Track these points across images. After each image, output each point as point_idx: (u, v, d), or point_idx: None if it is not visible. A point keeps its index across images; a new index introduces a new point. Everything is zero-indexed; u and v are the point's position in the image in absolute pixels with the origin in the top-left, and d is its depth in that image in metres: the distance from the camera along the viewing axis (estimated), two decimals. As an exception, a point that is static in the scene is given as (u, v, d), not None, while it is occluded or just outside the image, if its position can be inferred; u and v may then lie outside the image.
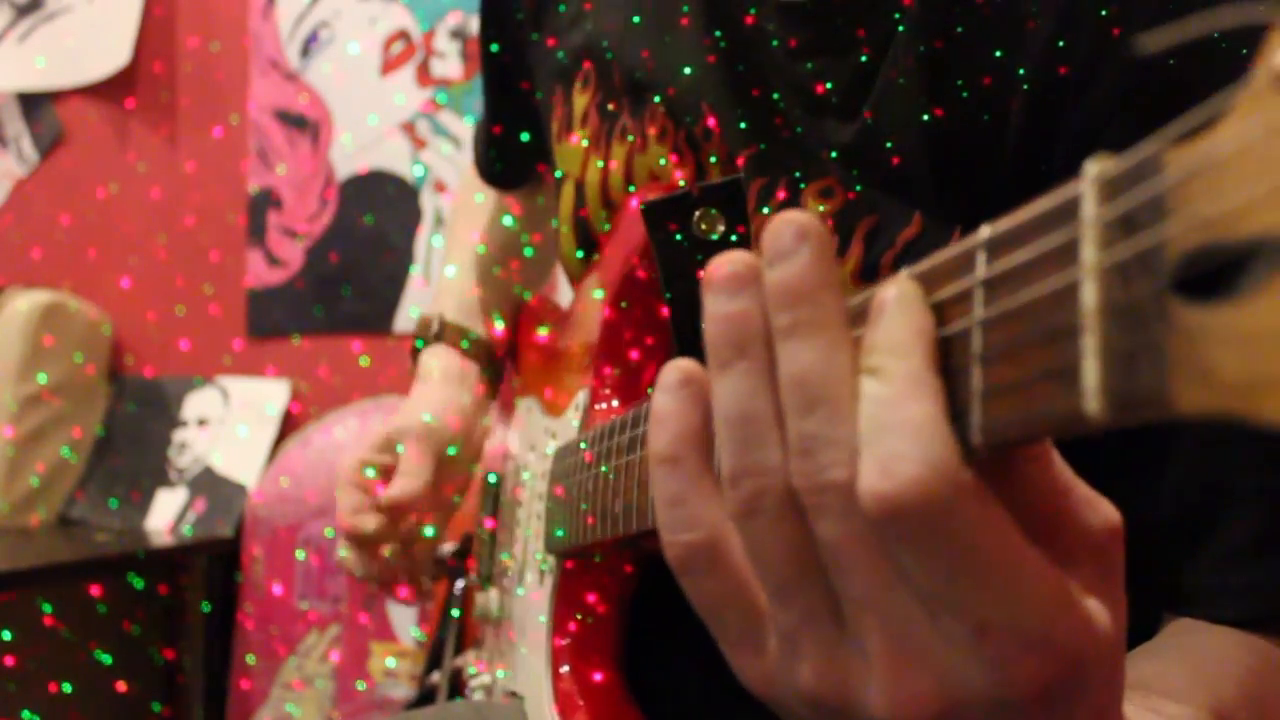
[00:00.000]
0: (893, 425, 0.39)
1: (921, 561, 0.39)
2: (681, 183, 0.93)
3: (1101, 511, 0.43)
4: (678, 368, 0.48)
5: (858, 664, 0.42)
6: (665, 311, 0.91)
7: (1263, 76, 0.28)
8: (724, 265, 0.45)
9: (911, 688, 0.41)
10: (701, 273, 0.82)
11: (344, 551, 1.18)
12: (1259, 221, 0.28)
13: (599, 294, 0.97)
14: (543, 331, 1.21)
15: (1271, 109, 0.28)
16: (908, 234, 0.81)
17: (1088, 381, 0.32)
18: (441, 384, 1.20)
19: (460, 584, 1.17)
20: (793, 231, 0.42)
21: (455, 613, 1.26)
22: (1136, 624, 0.71)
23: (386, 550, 1.16)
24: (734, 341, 0.44)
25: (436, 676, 1.23)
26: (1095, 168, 0.33)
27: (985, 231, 0.39)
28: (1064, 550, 0.42)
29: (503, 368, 1.28)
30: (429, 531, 1.17)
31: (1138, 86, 0.72)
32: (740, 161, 0.89)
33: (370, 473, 1.16)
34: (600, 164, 1.00)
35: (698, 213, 0.80)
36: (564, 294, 1.15)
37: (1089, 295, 0.32)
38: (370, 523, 1.14)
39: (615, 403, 0.95)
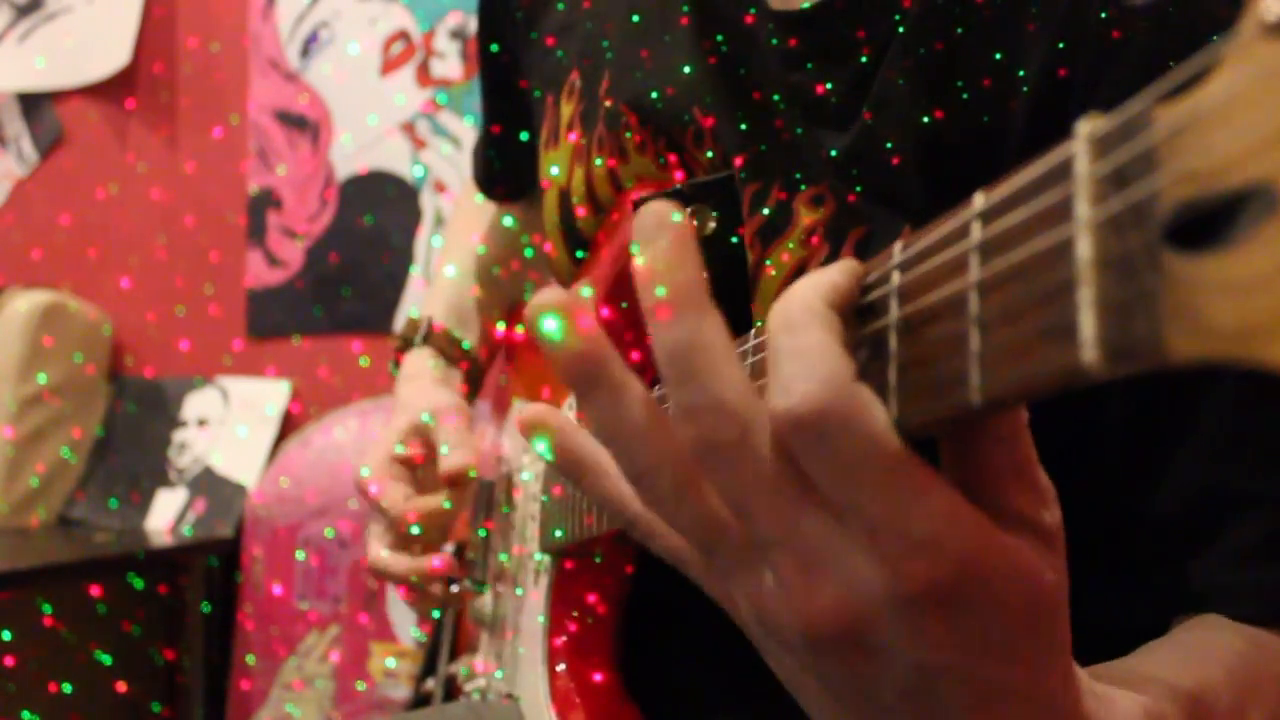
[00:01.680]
0: (789, 353, 0.43)
1: (819, 468, 0.43)
2: (677, 186, 0.93)
3: (1050, 507, 0.46)
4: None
5: (776, 590, 0.46)
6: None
7: (1249, 27, 0.29)
8: (541, 303, 0.47)
9: (821, 603, 0.45)
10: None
11: (386, 553, 1.12)
12: (1247, 170, 0.29)
13: (587, 292, 0.97)
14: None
15: (1258, 59, 0.28)
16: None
17: (1085, 333, 0.33)
18: (432, 384, 1.20)
19: (455, 588, 1.17)
20: (653, 221, 0.46)
21: (437, 613, 1.26)
22: (1145, 624, 0.71)
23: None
24: (580, 375, 0.47)
25: (431, 682, 1.23)
26: (1087, 126, 0.34)
27: (980, 201, 0.40)
28: (1001, 506, 0.45)
29: (485, 373, 1.28)
30: (446, 504, 1.15)
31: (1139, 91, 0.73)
32: (739, 162, 0.89)
33: (399, 448, 1.13)
34: (586, 166, 1.00)
35: (690, 209, 0.80)
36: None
37: (1084, 249, 0.33)
38: (432, 502, 1.09)
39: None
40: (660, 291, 0.45)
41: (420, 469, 1.13)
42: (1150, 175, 0.31)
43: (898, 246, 0.45)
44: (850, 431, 0.42)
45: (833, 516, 0.44)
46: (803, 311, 0.44)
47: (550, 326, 0.46)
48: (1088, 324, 0.33)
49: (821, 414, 0.42)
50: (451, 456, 1.08)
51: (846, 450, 0.42)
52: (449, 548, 1.15)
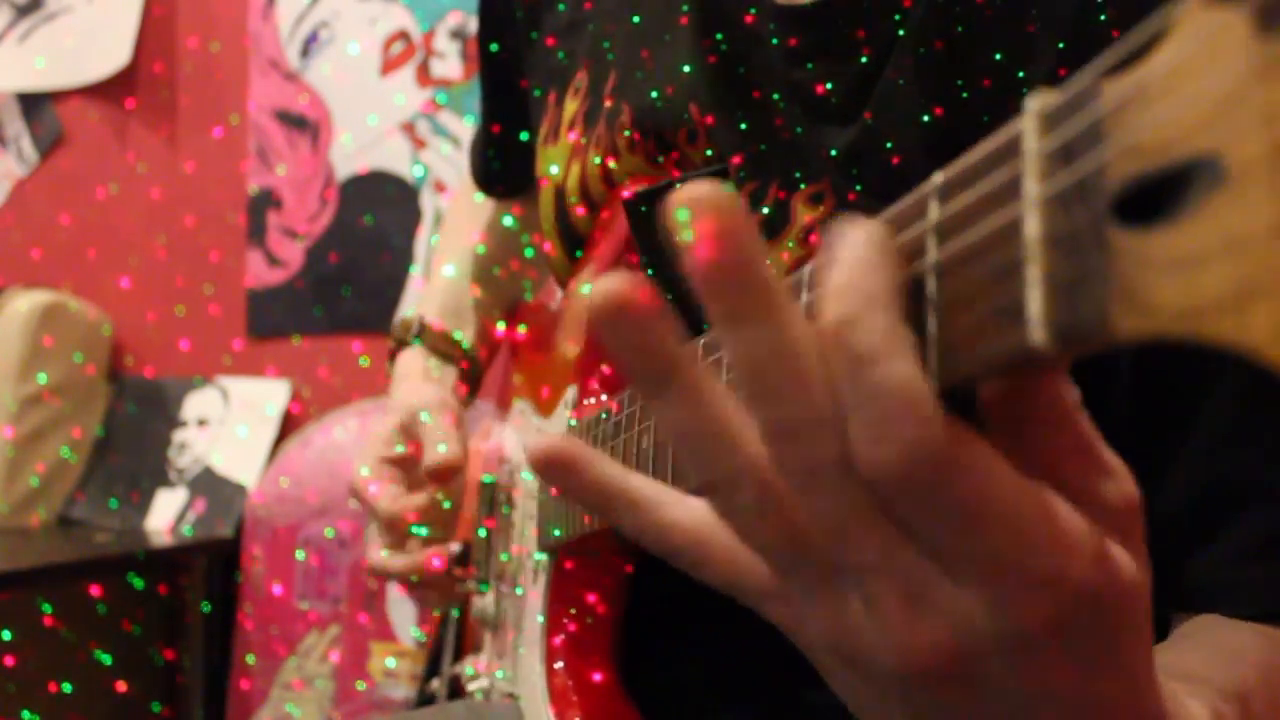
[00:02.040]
0: (878, 386, 0.38)
1: (927, 518, 0.39)
2: (667, 179, 0.93)
3: (1121, 483, 0.43)
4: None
5: (868, 621, 0.42)
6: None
7: (1195, -4, 0.28)
8: (603, 294, 0.40)
9: (925, 639, 0.41)
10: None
11: (385, 553, 1.12)
12: (1192, 143, 0.28)
13: (586, 290, 0.97)
14: (537, 332, 1.21)
15: (1201, 27, 0.28)
16: None
17: (1032, 312, 0.32)
18: (425, 382, 1.19)
19: (459, 588, 1.16)
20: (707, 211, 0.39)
21: (454, 613, 1.26)
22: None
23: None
24: (652, 374, 0.42)
25: (436, 683, 1.22)
26: (1036, 102, 0.33)
27: (938, 177, 0.39)
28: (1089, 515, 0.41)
29: (484, 371, 1.27)
30: (446, 504, 1.14)
31: None
32: (737, 160, 0.88)
33: (375, 469, 1.13)
34: (584, 162, 1.00)
35: None
36: (560, 294, 1.14)
37: (1031, 227, 0.32)
38: (420, 499, 1.09)
39: (604, 397, 0.95)
40: (736, 298, 0.39)
41: (413, 467, 1.13)
42: (1096, 149, 0.30)
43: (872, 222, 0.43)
44: (961, 481, 0.38)
45: (935, 553, 0.40)
46: (885, 337, 0.38)
47: (611, 317, 0.40)
48: (1035, 303, 0.32)
49: (928, 467, 0.37)
50: (434, 452, 1.07)
51: (959, 500, 0.38)
52: (455, 547, 1.14)
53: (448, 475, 1.07)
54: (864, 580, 0.42)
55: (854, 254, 0.39)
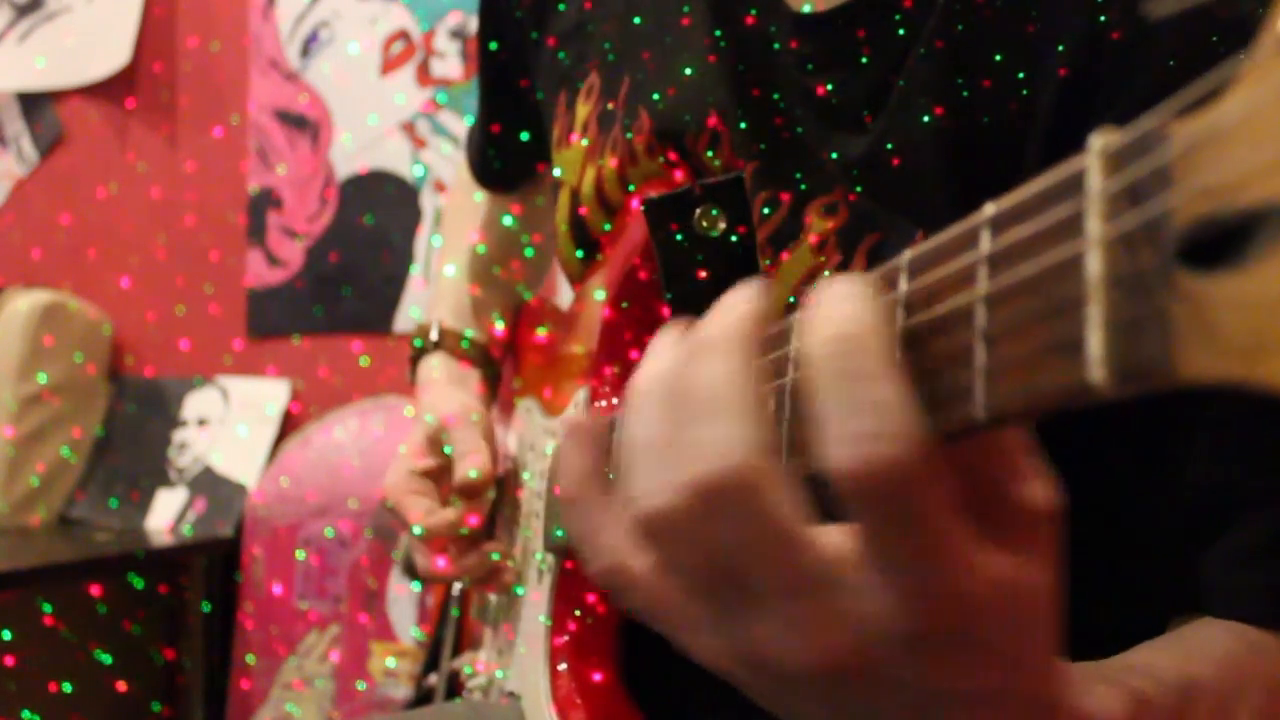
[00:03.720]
0: (858, 405, 0.42)
1: (870, 519, 0.43)
2: (685, 186, 0.93)
3: (1040, 490, 0.46)
4: (566, 421, 0.55)
5: (775, 636, 0.47)
6: (666, 312, 0.91)
7: (1268, 44, 0.29)
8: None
9: (833, 643, 0.45)
10: (703, 272, 0.81)
11: (424, 562, 1.10)
12: (1263, 189, 0.28)
13: (600, 294, 0.97)
14: (543, 332, 1.21)
15: (1275, 76, 0.28)
16: None
17: (1092, 352, 0.32)
18: (448, 386, 1.19)
19: (458, 586, 1.16)
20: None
21: (454, 612, 1.26)
22: (1146, 624, 0.71)
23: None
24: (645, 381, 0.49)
25: (434, 679, 1.22)
26: (1100, 141, 0.33)
27: (990, 209, 0.39)
28: (996, 519, 0.45)
29: (501, 369, 1.27)
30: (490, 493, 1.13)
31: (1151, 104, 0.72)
32: (747, 166, 0.89)
33: (411, 480, 1.11)
34: (597, 166, 1.00)
35: (698, 210, 0.80)
36: (564, 294, 1.14)
37: (1093, 266, 0.33)
38: (450, 514, 1.07)
39: (614, 400, 0.95)
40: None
41: (440, 476, 1.12)
42: (1164, 193, 0.30)
43: (906, 254, 0.44)
44: (925, 491, 0.42)
45: (854, 562, 0.44)
46: (876, 361, 0.42)
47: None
48: (1095, 342, 0.32)
49: (903, 474, 0.41)
50: (468, 464, 1.06)
51: (918, 511, 0.42)
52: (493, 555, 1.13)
53: (476, 490, 1.06)
54: (769, 596, 0.46)
55: (843, 290, 0.44)
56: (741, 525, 0.45)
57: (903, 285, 0.44)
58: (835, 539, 0.45)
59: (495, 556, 1.09)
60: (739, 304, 0.47)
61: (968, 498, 0.44)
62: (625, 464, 0.49)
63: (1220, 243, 0.30)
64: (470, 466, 1.06)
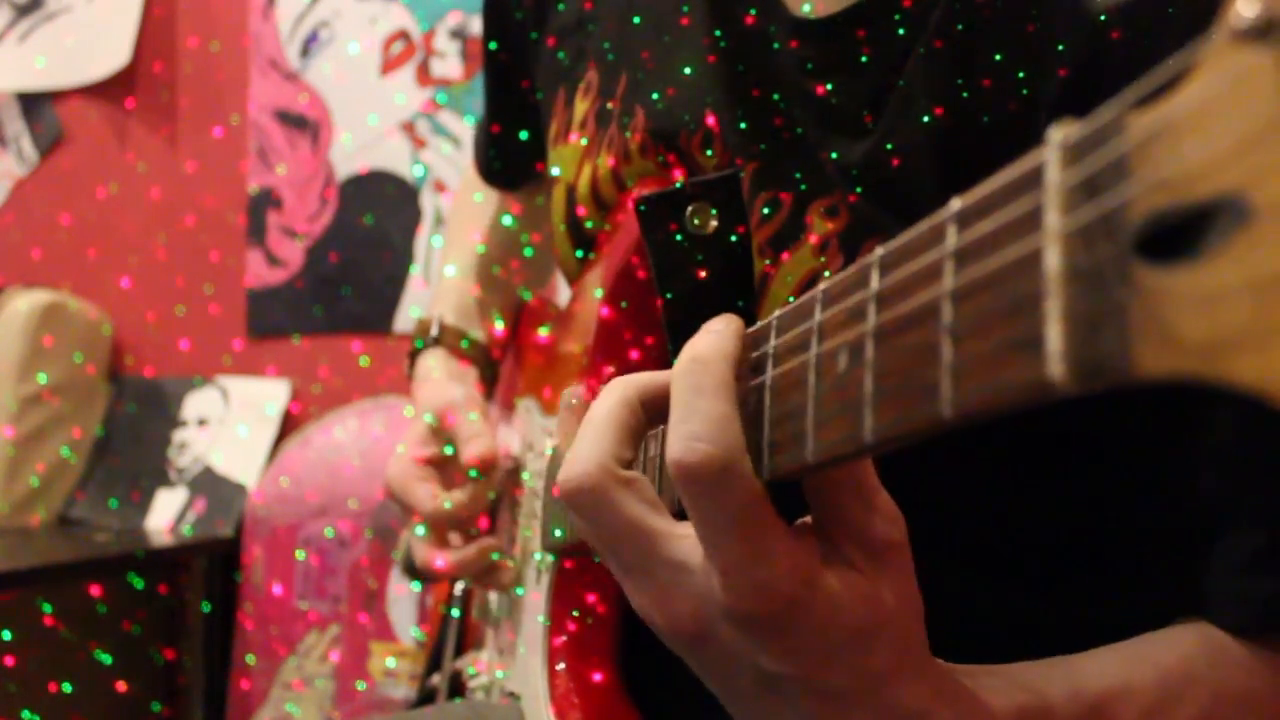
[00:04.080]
0: (693, 411, 0.54)
1: (698, 510, 0.53)
2: (679, 184, 0.93)
3: (885, 525, 0.55)
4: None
5: (642, 599, 0.59)
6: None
7: (1223, 33, 0.28)
8: None
9: (678, 607, 0.56)
10: (698, 270, 0.82)
11: (446, 555, 1.09)
12: (1219, 181, 0.28)
13: (598, 293, 0.97)
14: (542, 332, 1.21)
15: (1230, 65, 0.28)
16: None
17: (1051, 347, 0.32)
18: (446, 383, 1.19)
19: (460, 585, 1.15)
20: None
21: (455, 613, 1.26)
22: (1149, 627, 0.71)
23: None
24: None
25: (437, 679, 1.22)
26: (1059, 133, 0.33)
27: (956, 203, 0.39)
28: (833, 538, 0.55)
29: (499, 369, 1.27)
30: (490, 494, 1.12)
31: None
32: (747, 167, 0.88)
33: (414, 469, 1.11)
34: (593, 164, 1.00)
35: (690, 208, 0.79)
36: (564, 294, 1.14)
37: (1051, 260, 0.32)
38: (463, 495, 1.07)
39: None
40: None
41: (447, 467, 1.12)
42: (1121, 184, 0.30)
43: (878, 250, 0.44)
44: (731, 490, 0.52)
45: (696, 544, 0.55)
46: (713, 378, 0.54)
47: None
48: (1054, 337, 0.32)
49: (712, 472, 0.51)
50: (472, 444, 1.07)
51: (725, 505, 0.52)
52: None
53: (488, 466, 1.06)
54: (633, 570, 0.59)
55: (712, 335, 0.57)
56: (591, 519, 0.58)
57: (874, 281, 0.43)
58: (685, 529, 0.56)
59: (495, 556, 1.08)
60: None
61: (821, 521, 0.56)
62: None
63: (1178, 235, 0.29)
64: (481, 444, 1.07)
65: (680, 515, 0.58)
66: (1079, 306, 0.31)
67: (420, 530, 1.09)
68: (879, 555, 0.55)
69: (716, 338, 0.56)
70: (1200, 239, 0.28)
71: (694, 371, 0.54)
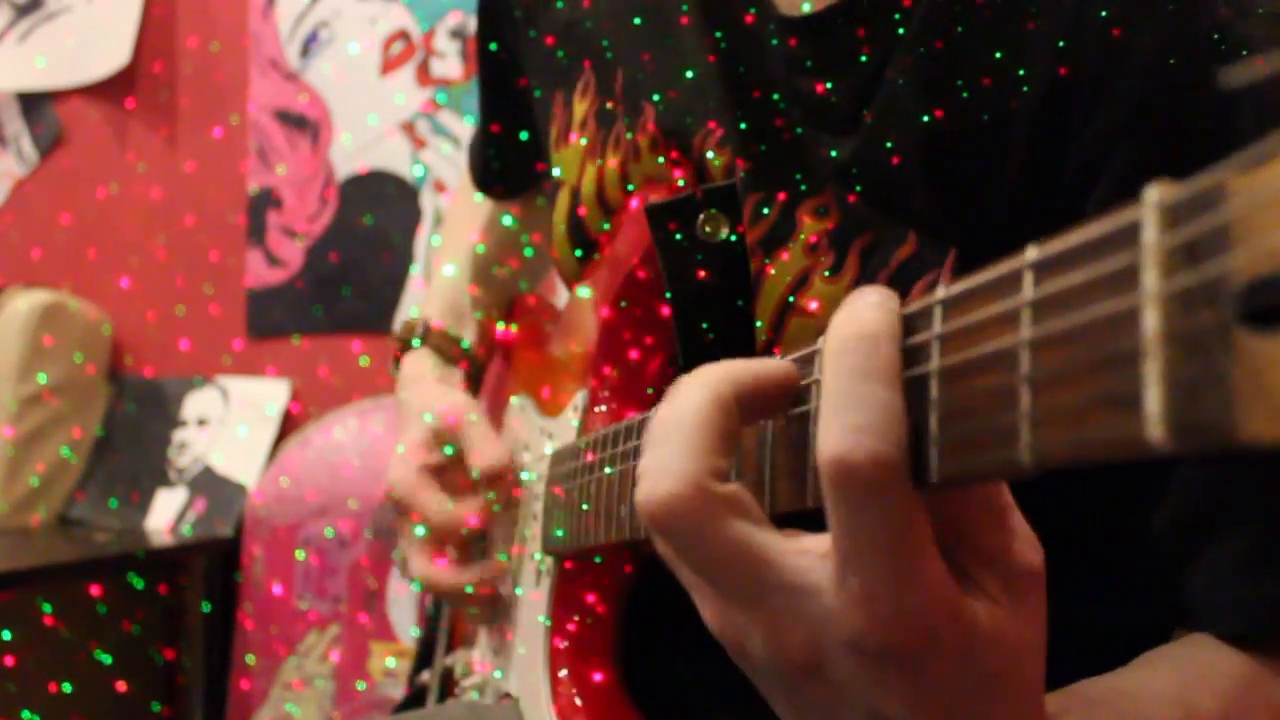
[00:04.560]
0: (836, 393, 0.45)
1: (847, 519, 0.45)
2: (681, 183, 0.93)
3: (1025, 552, 0.48)
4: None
5: (744, 626, 0.50)
6: (666, 312, 0.91)
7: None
8: None
9: (788, 638, 0.49)
10: (702, 273, 0.82)
11: (433, 568, 1.08)
12: (1327, 252, 0.28)
13: (598, 293, 0.97)
14: (539, 330, 1.21)
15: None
16: (902, 253, 0.81)
17: (1150, 408, 0.32)
18: (437, 384, 1.19)
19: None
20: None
21: (432, 610, 1.26)
22: (1148, 628, 0.72)
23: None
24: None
25: (427, 675, 1.22)
26: (1156, 194, 0.33)
27: (1033, 253, 0.39)
28: (977, 568, 0.48)
29: (484, 371, 1.27)
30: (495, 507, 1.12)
31: (1146, 106, 0.73)
32: (741, 166, 0.89)
33: (417, 475, 1.09)
34: (597, 165, 1.00)
35: (702, 215, 0.80)
36: (563, 294, 1.14)
37: (1151, 321, 0.33)
38: (473, 503, 1.05)
39: (614, 404, 0.95)
40: None
41: (446, 473, 1.11)
42: (1225, 253, 0.30)
43: (940, 291, 0.44)
44: (894, 496, 0.44)
45: (818, 561, 0.47)
46: (883, 360, 0.45)
47: None
48: (1153, 399, 0.32)
49: (880, 472, 0.44)
50: (486, 454, 1.04)
51: (886, 514, 0.44)
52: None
53: (501, 478, 1.05)
54: (732, 597, 0.50)
55: (873, 300, 0.47)
56: (686, 546, 0.50)
57: (937, 323, 0.44)
58: (800, 544, 0.49)
59: (468, 589, 1.09)
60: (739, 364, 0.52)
61: (950, 544, 0.47)
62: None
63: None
64: (495, 454, 1.04)
65: (778, 521, 0.52)
66: (1179, 370, 0.32)
67: (420, 531, 1.08)
68: (1017, 585, 0.48)
69: (881, 312, 0.46)
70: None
71: (860, 351, 0.45)
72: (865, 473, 0.44)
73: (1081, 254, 0.36)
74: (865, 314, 0.46)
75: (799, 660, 0.49)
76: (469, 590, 1.06)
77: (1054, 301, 0.37)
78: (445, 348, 1.23)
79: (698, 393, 0.50)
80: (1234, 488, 0.71)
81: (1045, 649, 0.50)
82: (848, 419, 0.44)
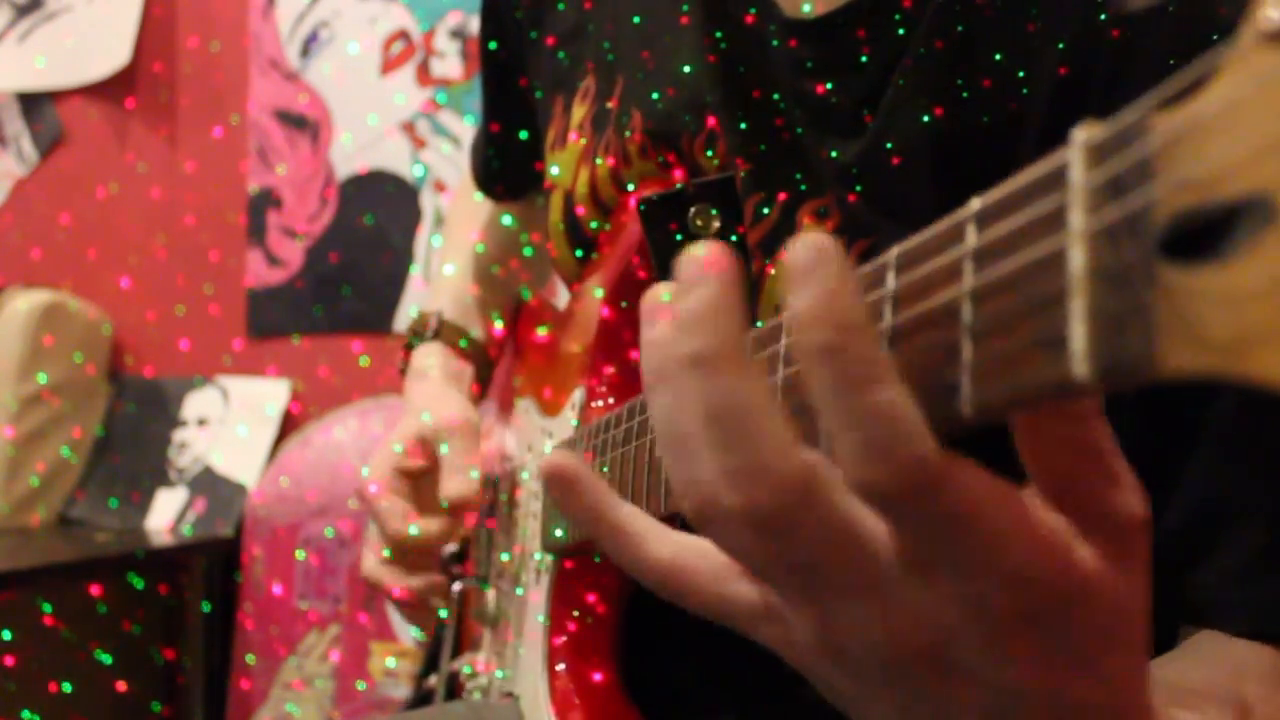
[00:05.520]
0: (865, 413, 0.39)
1: (909, 528, 0.41)
2: (680, 184, 0.93)
3: (1128, 497, 0.43)
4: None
5: (851, 624, 0.45)
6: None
7: (1248, 35, 0.28)
8: (649, 298, 0.47)
9: (903, 633, 0.44)
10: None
11: (378, 565, 1.10)
12: (1244, 181, 0.28)
13: (598, 293, 0.97)
14: (541, 331, 1.21)
15: (1256, 67, 0.28)
16: None
17: (1075, 346, 0.32)
18: (443, 382, 1.19)
19: (457, 586, 1.16)
20: (699, 262, 0.44)
21: (443, 613, 1.26)
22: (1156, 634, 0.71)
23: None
24: (653, 368, 0.46)
25: (434, 680, 1.22)
26: (1083, 134, 0.33)
27: (976, 203, 0.39)
28: (1083, 520, 0.43)
29: (494, 369, 1.27)
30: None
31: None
32: (742, 167, 0.88)
33: (389, 478, 1.10)
34: (591, 166, 1.00)
35: (693, 209, 0.80)
36: (563, 294, 1.14)
37: (1076, 259, 0.32)
38: (433, 525, 1.07)
39: (612, 401, 0.95)
40: (699, 342, 0.43)
41: (423, 478, 1.11)
42: (1146, 185, 0.30)
43: (894, 250, 0.44)
44: (943, 495, 0.40)
45: (918, 561, 0.42)
46: (868, 365, 0.40)
47: (692, 274, 0.44)
48: (1079, 336, 0.32)
49: (913, 485, 0.39)
50: (451, 484, 1.05)
51: (940, 514, 0.40)
52: (452, 547, 1.13)
53: (465, 507, 1.06)
54: (842, 590, 0.44)
55: (820, 278, 0.40)
56: (795, 535, 0.43)
57: (890, 281, 0.44)
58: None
59: (443, 612, 1.10)
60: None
61: (1045, 473, 0.43)
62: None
63: (1202, 235, 0.30)
64: (460, 485, 1.05)
65: None
66: (1103, 306, 0.32)
67: (387, 553, 1.09)
68: (1124, 536, 0.43)
69: (843, 304, 0.40)
70: (1226, 239, 0.29)
71: (839, 362, 0.40)
72: (914, 491, 0.40)
73: (1017, 200, 0.36)
74: (828, 308, 0.41)
75: (917, 651, 0.44)
76: (398, 595, 1.09)
77: (993, 249, 0.37)
78: (454, 344, 1.23)
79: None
80: (1249, 483, 0.71)
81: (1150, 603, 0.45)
82: (859, 438, 0.40)
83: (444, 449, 1.08)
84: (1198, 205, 0.29)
